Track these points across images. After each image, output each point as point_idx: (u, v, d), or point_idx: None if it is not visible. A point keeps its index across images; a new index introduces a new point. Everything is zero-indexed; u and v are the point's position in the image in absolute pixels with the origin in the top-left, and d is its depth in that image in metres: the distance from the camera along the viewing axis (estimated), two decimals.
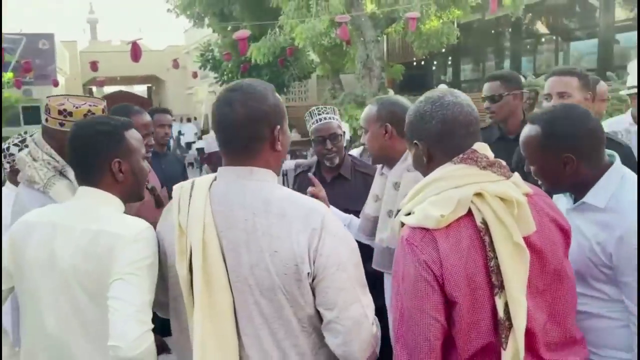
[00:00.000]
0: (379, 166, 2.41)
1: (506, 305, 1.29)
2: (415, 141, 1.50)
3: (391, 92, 14.93)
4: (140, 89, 37.44)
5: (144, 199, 1.85)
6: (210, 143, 2.85)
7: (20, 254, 1.59)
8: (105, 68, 18.61)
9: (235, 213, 1.37)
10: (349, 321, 1.34)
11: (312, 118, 2.87)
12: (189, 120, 24.45)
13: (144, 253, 1.48)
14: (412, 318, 1.32)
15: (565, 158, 1.57)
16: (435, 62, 18.48)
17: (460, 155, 1.40)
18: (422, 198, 1.40)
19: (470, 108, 1.46)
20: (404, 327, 1.33)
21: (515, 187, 1.38)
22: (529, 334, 1.34)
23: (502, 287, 1.29)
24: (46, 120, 1.98)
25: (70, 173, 1.96)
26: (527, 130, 1.66)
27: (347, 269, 1.36)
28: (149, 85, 37.77)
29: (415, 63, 18.54)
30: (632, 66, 4.45)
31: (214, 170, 2.57)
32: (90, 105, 1.97)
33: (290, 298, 1.33)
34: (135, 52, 7.87)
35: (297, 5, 12.22)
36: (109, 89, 31.88)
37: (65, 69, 26.94)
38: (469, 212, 1.33)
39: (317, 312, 1.37)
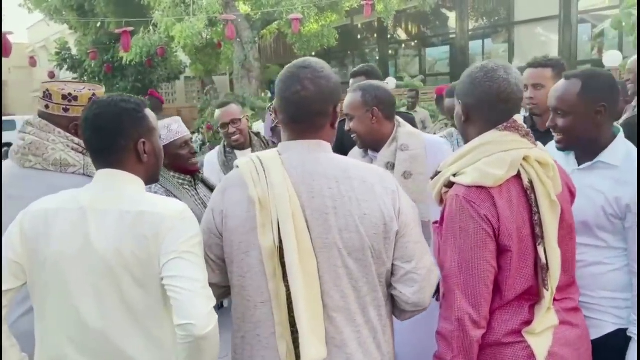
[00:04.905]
0: (360, 150, 2.44)
1: (545, 252, 1.51)
2: (459, 100, 1.66)
3: (268, 92, 15.07)
4: None
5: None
6: (166, 134, 2.47)
7: (38, 246, 1.46)
8: None
9: (318, 182, 1.43)
10: (424, 270, 1.48)
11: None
12: None
13: (193, 231, 1.46)
14: (473, 267, 1.49)
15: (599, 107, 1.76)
16: None
17: (504, 124, 1.58)
18: (472, 160, 1.56)
19: (517, 87, 1.59)
20: (463, 276, 1.50)
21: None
22: None
23: (543, 237, 1.51)
24: (46, 106, 1.83)
25: None
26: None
27: (418, 224, 1.51)
28: None
29: (287, 65, 18.89)
30: None
31: (171, 163, 2.43)
32: (90, 89, 1.87)
33: (376, 255, 1.43)
34: (6, 46, 7.07)
35: (172, 3, 11.83)
36: None
37: None
38: (517, 173, 1.52)
39: (391, 267, 1.48)
